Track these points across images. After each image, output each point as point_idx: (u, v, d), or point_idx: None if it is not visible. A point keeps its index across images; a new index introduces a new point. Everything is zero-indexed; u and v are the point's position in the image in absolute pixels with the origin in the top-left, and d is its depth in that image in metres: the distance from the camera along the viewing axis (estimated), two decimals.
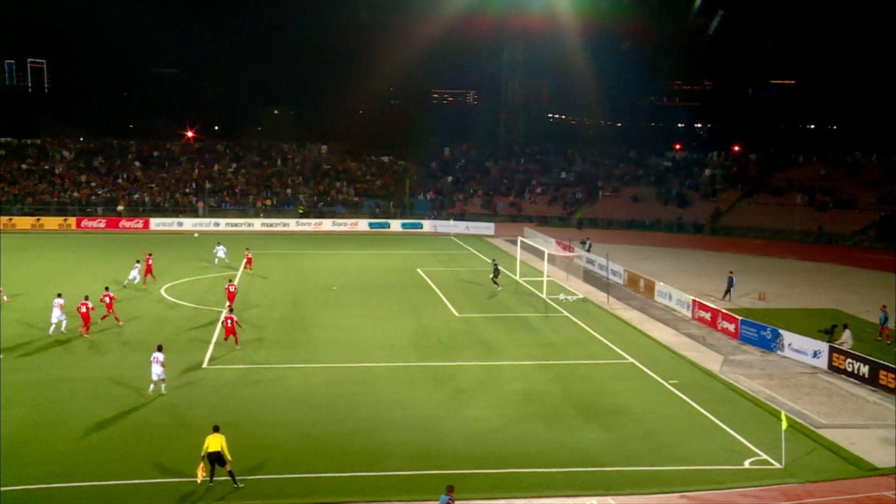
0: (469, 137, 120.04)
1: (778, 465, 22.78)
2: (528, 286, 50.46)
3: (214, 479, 21.09)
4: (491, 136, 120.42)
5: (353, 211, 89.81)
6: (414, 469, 22.37)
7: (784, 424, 23.08)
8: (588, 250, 60.75)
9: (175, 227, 78.90)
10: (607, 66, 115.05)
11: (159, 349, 28.59)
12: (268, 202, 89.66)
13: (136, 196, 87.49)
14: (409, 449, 23.74)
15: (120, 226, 78.69)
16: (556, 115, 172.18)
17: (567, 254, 58.38)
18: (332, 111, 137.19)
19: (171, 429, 24.98)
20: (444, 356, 34.04)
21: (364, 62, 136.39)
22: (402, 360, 33.32)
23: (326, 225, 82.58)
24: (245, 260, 53.83)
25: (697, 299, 42.26)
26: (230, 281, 43.95)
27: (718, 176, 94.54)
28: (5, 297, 40.80)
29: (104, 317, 37.69)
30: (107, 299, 37.60)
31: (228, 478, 21.10)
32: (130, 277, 47.08)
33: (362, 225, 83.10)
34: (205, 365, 31.85)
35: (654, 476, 22.24)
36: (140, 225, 79.13)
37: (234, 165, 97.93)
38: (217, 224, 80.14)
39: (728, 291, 46.52)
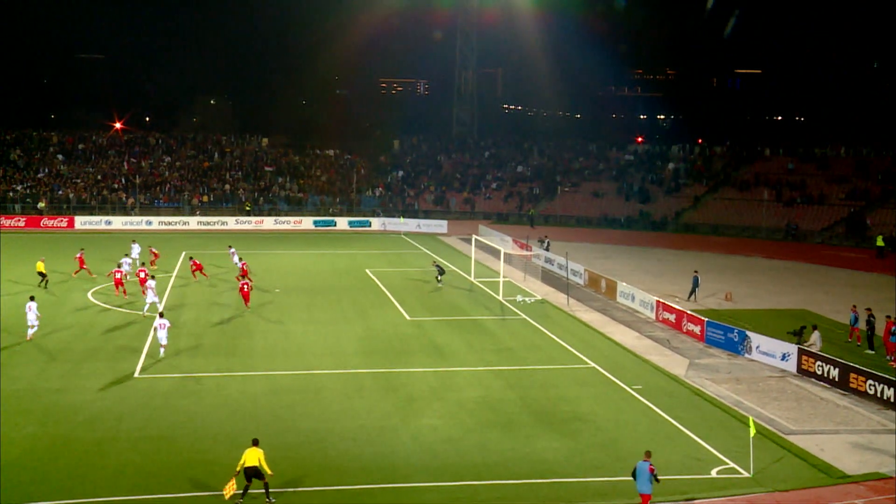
0: (420, 130, 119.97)
1: (746, 474, 23.10)
2: (484, 287, 50.58)
3: (248, 492, 20.95)
4: (443, 128, 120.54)
5: (297, 208, 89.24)
6: (363, 483, 22.25)
7: (752, 431, 23.40)
8: (546, 249, 61.10)
9: (103, 226, 77.61)
10: (566, 55, 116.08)
11: (161, 315, 34.15)
12: (204, 199, 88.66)
13: (60, 192, 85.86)
14: (357, 462, 23.61)
15: (42, 224, 77.15)
16: (512, 106, 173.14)
17: (524, 253, 58.65)
18: (272, 101, 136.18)
19: (97, 444, 24.50)
20: (395, 362, 33.94)
21: (307, 49, 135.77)
22: (350, 366, 33.16)
23: (268, 223, 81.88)
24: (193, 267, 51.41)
25: (661, 300, 42.72)
26: (240, 259, 50.75)
27: (682, 170, 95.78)
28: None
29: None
30: (118, 275, 44.80)
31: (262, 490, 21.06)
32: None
33: (307, 223, 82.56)
34: (136, 374, 31.36)
35: (617, 487, 22.39)
36: (64, 223, 77.64)
37: (167, 159, 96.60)
38: (149, 223, 79.01)
39: (693, 292, 47.10)
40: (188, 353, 34.48)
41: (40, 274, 47.14)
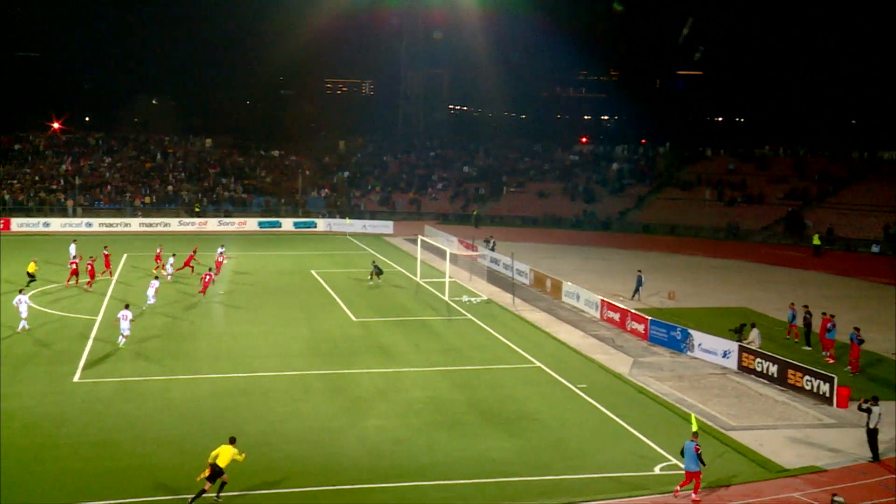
0: (365, 130, 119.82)
1: None
2: (430, 288, 50.66)
3: (221, 494, 20.90)
4: (389, 128, 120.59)
5: (241, 209, 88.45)
6: (310, 485, 22.17)
7: (694, 427, 23.79)
8: (492, 249, 61.40)
9: (41, 228, 76.10)
10: (511, 56, 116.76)
11: (126, 307, 35.38)
12: (146, 200, 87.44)
13: None
14: (304, 464, 23.52)
15: None
16: (458, 107, 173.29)
17: (470, 253, 58.87)
18: (216, 101, 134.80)
19: (36, 450, 24.04)
20: (341, 363, 33.87)
21: (252, 49, 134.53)
22: (296, 368, 33.01)
23: (212, 224, 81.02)
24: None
25: (606, 299, 43.21)
26: (221, 252, 53.42)
27: (626, 170, 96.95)
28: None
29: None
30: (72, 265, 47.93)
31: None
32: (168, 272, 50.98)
33: (251, 224, 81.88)
34: (76, 379, 30.85)
35: (564, 485, 22.64)
36: (0, 225, 76.06)
37: (107, 160, 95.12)
38: (90, 224, 77.66)
39: (637, 291, 47.70)
40: (130, 356, 34.00)
41: (29, 275, 47.23)
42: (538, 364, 34.32)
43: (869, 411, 24.79)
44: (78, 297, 45.49)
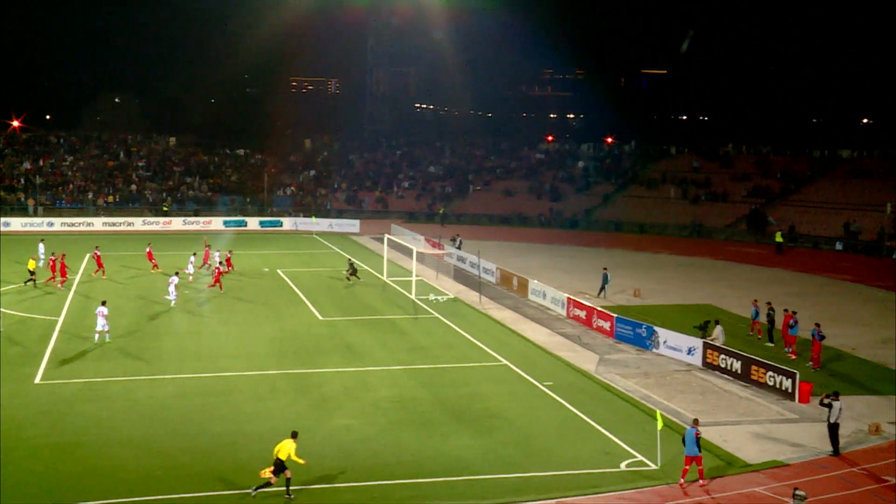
0: (331, 129, 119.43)
1: (653, 466, 23.68)
2: (396, 286, 50.60)
3: (291, 489, 21.24)
4: (355, 127, 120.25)
5: (207, 208, 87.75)
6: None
7: (659, 424, 23.98)
8: (459, 247, 61.44)
9: (1, 228, 74.96)
10: (477, 55, 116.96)
11: (103, 304, 35.71)
12: (109, 199, 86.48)
13: None
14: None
15: None
16: (424, 106, 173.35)
17: (436, 252, 58.88)
18: (180, 100, 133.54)
19: None
20: (308, 363, 33.75)
21: (216, 46, 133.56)
22: (262, 368, 32.83)
23: (176, 223, 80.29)
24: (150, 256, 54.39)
25: (572, 297, 43.40)
26: (229, 251, 55.53)
27: (592, 168, 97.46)
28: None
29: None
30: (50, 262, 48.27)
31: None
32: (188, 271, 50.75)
33: (216, 223, 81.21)
34: (37, 380, 30.46)
35: (530, 482, 22.72)
36: None
37: (69, 159, 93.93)
38: (51, 224, 76.64)
39: (603, 288, 47.93)
40: (94, 356, 33.63)
41: (30, 272, 47.82)
42: (505, 362, 34.40)
43: (830, 406, 25.15)
44: (41, 298, 44.92)
